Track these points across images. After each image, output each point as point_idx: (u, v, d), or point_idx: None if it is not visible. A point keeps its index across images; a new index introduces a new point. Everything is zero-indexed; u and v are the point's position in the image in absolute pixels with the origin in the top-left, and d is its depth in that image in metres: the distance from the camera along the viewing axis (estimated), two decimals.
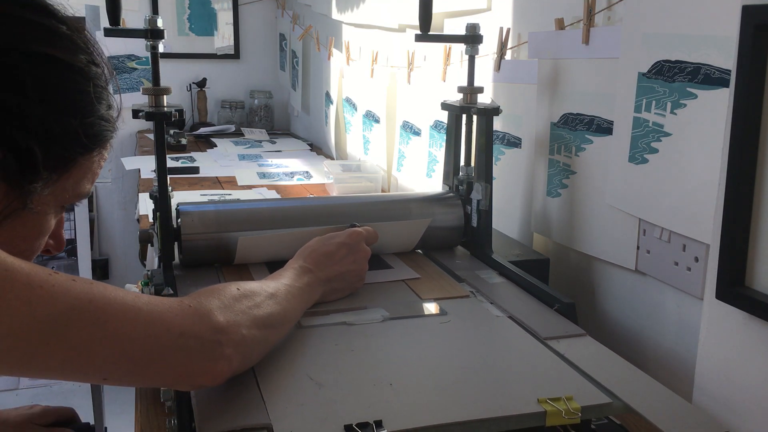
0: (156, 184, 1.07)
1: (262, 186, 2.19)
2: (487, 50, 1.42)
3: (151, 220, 1.24)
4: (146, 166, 2.43)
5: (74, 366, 0.61)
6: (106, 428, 1.04)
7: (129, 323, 0.63)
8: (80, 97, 0.67)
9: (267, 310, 0.81)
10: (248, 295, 0.80)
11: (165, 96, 1.05)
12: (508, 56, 1.42)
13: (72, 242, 3.32)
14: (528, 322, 0.96)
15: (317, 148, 2.93)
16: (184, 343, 0.67)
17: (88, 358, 0.61)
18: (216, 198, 1.59)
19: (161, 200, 1.08)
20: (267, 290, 0.84)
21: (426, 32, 1.20)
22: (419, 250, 1.26)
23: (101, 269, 3.40)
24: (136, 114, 1.04)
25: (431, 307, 1.01)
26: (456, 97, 1.27)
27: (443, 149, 1.36)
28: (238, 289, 0.80)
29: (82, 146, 0.68)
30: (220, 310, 0.73)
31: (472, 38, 1.22)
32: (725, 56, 0.89)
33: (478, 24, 1.22)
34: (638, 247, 1.08)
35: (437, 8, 1.33)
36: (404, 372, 0.82)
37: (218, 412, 0.72)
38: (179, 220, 1.10)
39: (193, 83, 3.37)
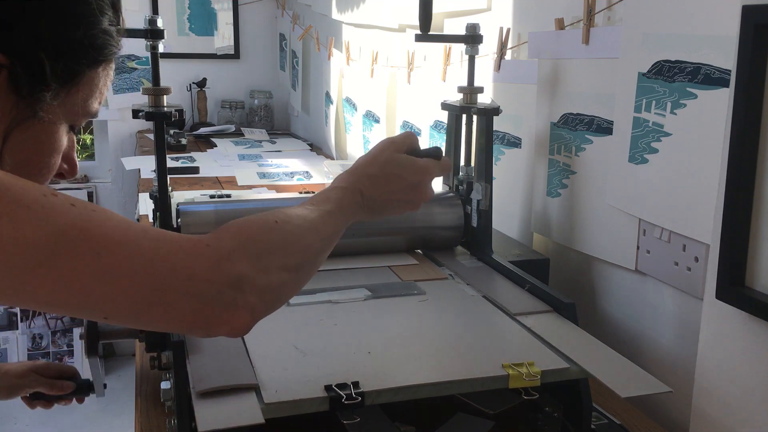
0: (156, 184, 1.07)
1: (262, 186, 2.18)
2: (487, 50, 1.42)
3: (151, 220, 1.24)
4: (146, 166, 2.43)
5: (66, 299, 0.57)
6: (105, 384, 1.07)
7: (126, 259, 0.58)
8: (84, 8, 0.68)
9: (304, 248, 0.72)
10: (287, 229, 0.71)
11: (165, 96, 1.05)
12: (508, 56, 1.42)
13: None
14: (500, 300, 1.03)
15: (317, 148, 2.93)
16: (193, 288, 0.61)
17: (81, 292, 0.57)
18: (214, 194, 1.59)
19: (161, 200, 1.08)
20: (308, 220, 0.74)
21: (426, 32, 1.20)
22: (419, 250, 1.26)
23: None
24: (136, 114, 1.04)
25: (411, 288, 1.08)
26: (456, 97, 1.27)
27: (443, 149, 1.36)
28: (276, 221, 0.70)
29: (88, 58, 0.69)
30: (245, 251, 0.65)
31: (472, 38, 1.22)
32: (725, 56, 0.89)
33: (478, 24, 1.22)
34: (638, 247, 1.08)
35: (437, 8, 1.33)
36: (382, 342, 0.88)
37: (211, 373, 0.78)
38: (179, 220, 1.10)
39: (193, 83, 3.37)
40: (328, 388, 0.76)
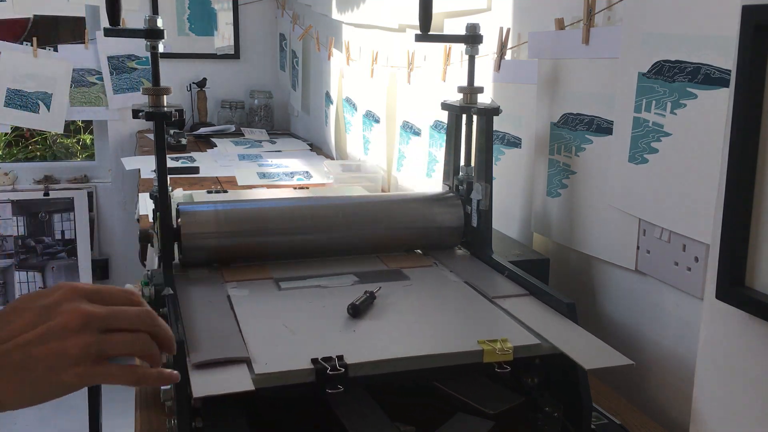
0: (156, 184, 1.07)
1: (262, 186, 2.18)
2: (487, 50, 1.42)
3: (151, 220, 1.24)
4: (146, 166, 2.43)
5: None
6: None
7: None
8: None
9: None
10: None
11: (165, 96, 1.05)
12: (508, 56, 1.42)
13: (72, 242, 3.32)
14: (480, 285, 1.08)
15: (317, 148, 2.93)
16: None
17: None
18: (213, 192, 1.60)
19: (161, 200, 1.08)
20: None
21: (426, 32, 1.20)
22: (419, 250, 1.26)
23: (101, 269, 3.40)
24: (136, 114, 1.04)
25: (397, 274, 1.13)
26: (456, 97, 1.27)
27: (443, 149, 1.36)
28: None
29: None
30: None
31: (472, 38, 1.22)
32: (725, 56, 0.89)
33: (478, 24, 1.22)
34: (638, 247, 1.08)
35: (437, 8, 1.33)
36: (367, 322, 0.94)
37: (206, 347, 0.84)
38: (179, 220, 1.10)
39: (193, 83, 3.37)
40: (314, 361, 0.81)
